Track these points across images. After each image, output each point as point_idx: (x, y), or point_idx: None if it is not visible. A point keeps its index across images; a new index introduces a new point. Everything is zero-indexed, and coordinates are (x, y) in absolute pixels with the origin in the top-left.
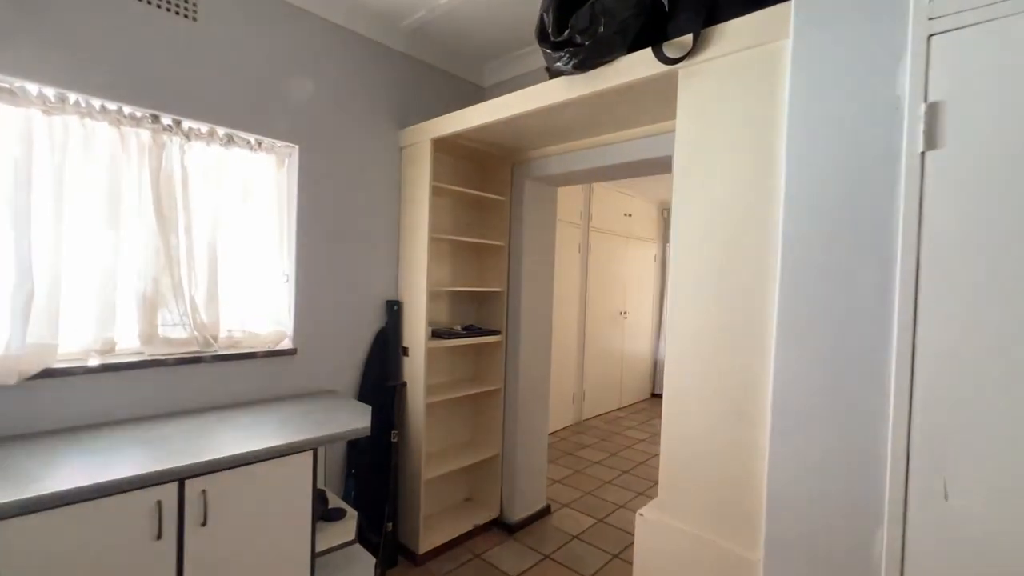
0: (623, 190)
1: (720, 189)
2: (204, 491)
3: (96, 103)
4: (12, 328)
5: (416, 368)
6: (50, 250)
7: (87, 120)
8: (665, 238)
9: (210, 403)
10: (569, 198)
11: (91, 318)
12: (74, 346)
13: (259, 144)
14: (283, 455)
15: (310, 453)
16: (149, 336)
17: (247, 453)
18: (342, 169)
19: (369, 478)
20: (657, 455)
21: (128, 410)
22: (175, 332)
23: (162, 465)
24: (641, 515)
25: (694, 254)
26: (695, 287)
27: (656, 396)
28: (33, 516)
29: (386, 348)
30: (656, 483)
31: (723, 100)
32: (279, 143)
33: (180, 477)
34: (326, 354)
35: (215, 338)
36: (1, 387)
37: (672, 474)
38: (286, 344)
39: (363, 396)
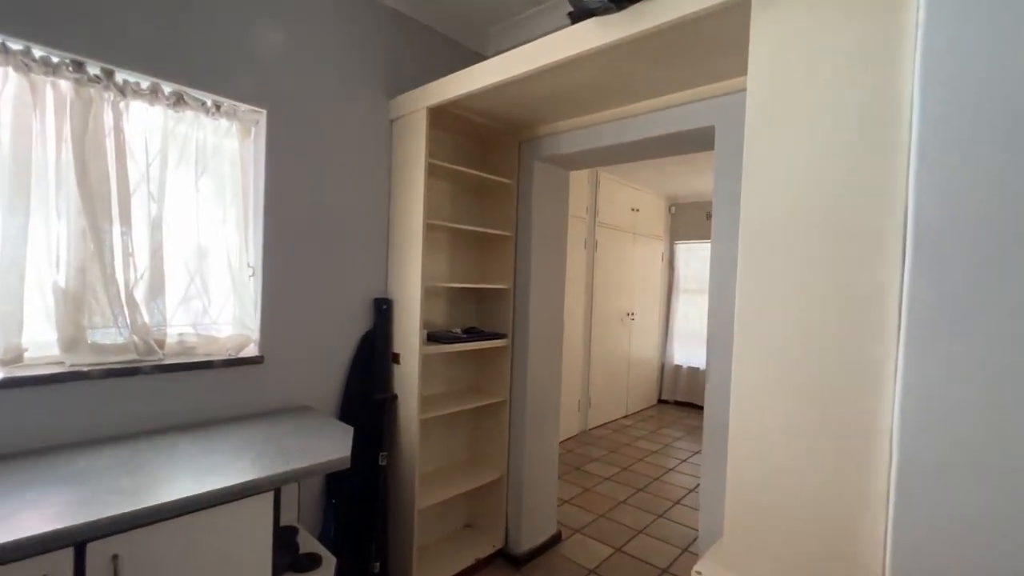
0: (631, 183)
1: (813, 157)
2: (115, 556)
3: None
4: None
5: (409, 378)
6: None
7: None
8: (673, 235)
9: (152, 425)
10: (575, 190)
11: None
12: None
13: (217, 107)
14: (232, 499)
15: (270, 495)
16: (73, 341)
17: (180, 501)
18: (320, 142)
19: (352, 510)
20: (671, 469)
21: (40, 437)
22: (108, 337)
23: (62, 520)
24: (699, 574)
25: (773, 243)
26: (775, 286)
27: (663, 402)
28: None
29: (373, 355)
30: (676, 502)
31: (818, 32)
32: (243, 107)
33: (78, 540)
34: (300, 362)
35: (160, 344)
36: None
37: (742, 524)
38: (251, 351)
39: (345, 412)
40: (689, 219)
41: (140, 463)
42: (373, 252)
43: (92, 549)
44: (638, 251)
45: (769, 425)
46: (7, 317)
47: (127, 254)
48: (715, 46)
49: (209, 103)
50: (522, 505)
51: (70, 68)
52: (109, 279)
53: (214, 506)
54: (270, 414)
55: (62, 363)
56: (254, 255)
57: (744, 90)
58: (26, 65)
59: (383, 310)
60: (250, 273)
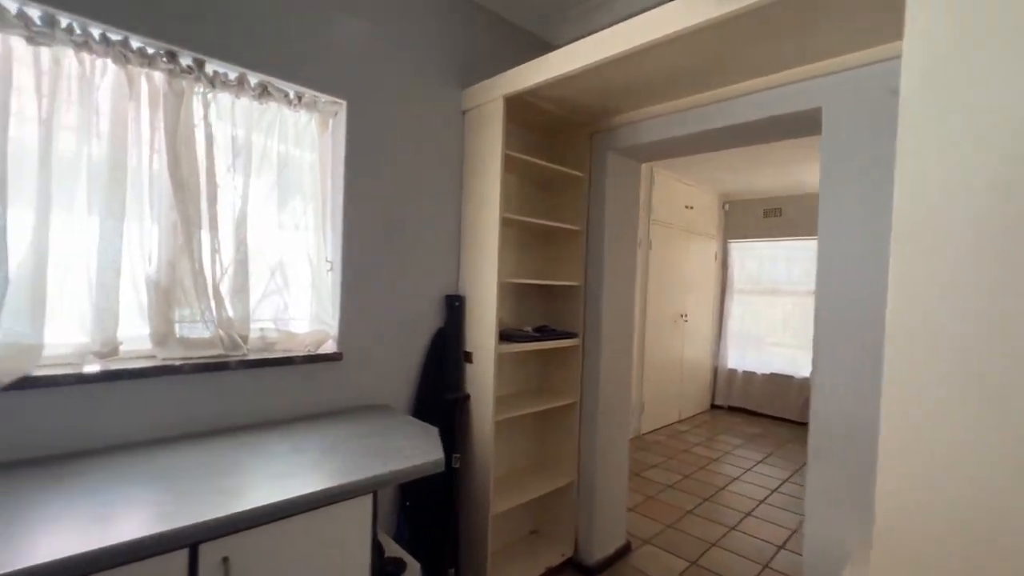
0: (685, 179)
1: (1001, 119)
2: (226, 558)
3: (95, 31)
4: None
5: (482, 377)
6: (33, 222)
7: (84, 54)
8: (727, 234)
9: (238, 421)
10: None
11: (88, 312)
12: (64, 348)
13: (299, 98)
14: (334, 501)
15: (369, 497)
16: (163, 336)
17: (284, 502)
18: (395, 133)
19: (426, 513)
20: (736, 478)
21: (135, 431)
22: (195, 331)
23: (172, 520)
24: None
25: (939, 239)
26: (948, 286)
27: (717, 407)
28: None
29: (444, 353)
30: (747, 514)
31: None
32: (324, 97)
33: (192, 541)
34: (377, 360)
35: (244, 339)
36: None
37: (902, 555)
38: (329, 347)
39: (418, 411)
40: (743, 217)
41: (234, 461)
42: (444, 247)
43: (204, 551)
44: (692, 250)
45: (946, 447)
46: (104, 313)
47: (214, 248)
48: (834, 12)
49: (292, 94)
50: (593, 513)
51: (164, 59)
52: (197, 273)
53: (315, 508)
54: (349, 412)
55: (153, 357)
56: (332, 249)
57: (856, 68)
58: (124, 56)
59: (455, 307)
60: (328, 268)
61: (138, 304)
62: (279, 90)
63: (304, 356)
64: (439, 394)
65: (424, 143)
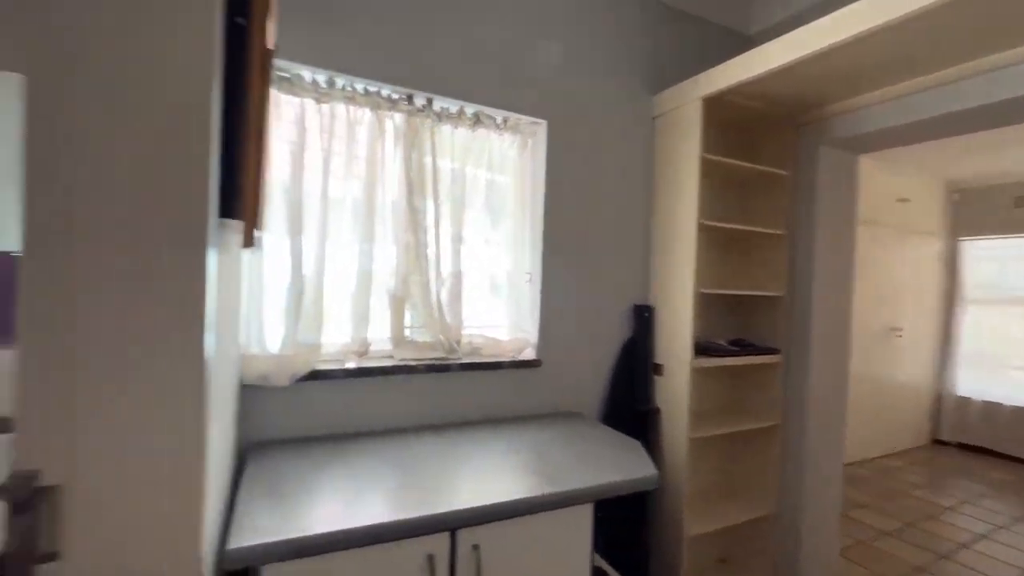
0: (897, 168)
1: None
2: (476, 545)
3: (359, 86)
4: (286, 327)
5: (675, 391)
6: (315, 246)
7: (351, 107)
8: (955, 231)
9: (457, 417)
10: None
11: (348, 317)
12: (333, 347)
13: (505, 123)
14: (559, 505)
15: (590, 506)
16: (398, 338)
17: (520, 501)
18: (588, 147)
19: (618, 525)
20: (985, 536)
21: (381, 420)
22: (420, 335)
23: (428, 507)
24: None
25: None
26: None
27: (940, 443)
28: (301, 561)
29: (634, 364)
30: None
31: None
32: (525, 119)
33: (452, 527)
34: (570, 367)
35: (458, 343)
36: (275, 389)
37: None
38: (529, 354)
39: (608, 421)
40: (981, 208)
41: (467, 453)
42: (632, 257)
43: (461, 536)
44: (906, 251)
45: None
46: (360, 318)
47: (436, 264)
48: None
49: (499, 119)
50: (798, 550)
51: (405, 101)
52: (424, 285)
53: (546, 509)
54: (548, 417)
55: (391, 357)
56: (530, 261)
57: None
58: (377, 103)
59: (644, 318)
60: (528, 279)
61: (381, 312)
62: (489, 117)
63: (510, 361)
64: (629, 405)
65: (614, 153)
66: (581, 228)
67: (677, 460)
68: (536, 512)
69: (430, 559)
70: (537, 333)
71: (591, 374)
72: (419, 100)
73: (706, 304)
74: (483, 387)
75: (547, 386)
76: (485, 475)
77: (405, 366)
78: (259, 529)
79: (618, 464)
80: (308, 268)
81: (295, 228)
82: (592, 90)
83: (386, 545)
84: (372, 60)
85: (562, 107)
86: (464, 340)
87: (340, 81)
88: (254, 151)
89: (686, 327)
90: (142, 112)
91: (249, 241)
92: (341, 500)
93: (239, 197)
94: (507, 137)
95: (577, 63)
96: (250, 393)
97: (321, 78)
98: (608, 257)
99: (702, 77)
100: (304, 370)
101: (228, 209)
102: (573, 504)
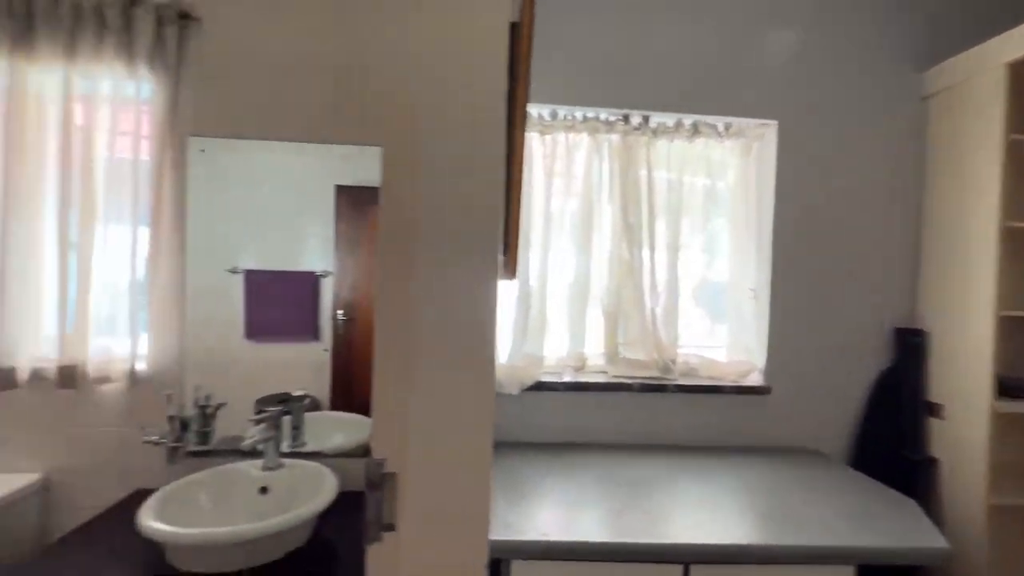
0: None
1: None
2: None
3: (579, 114)
4: (513, 340)
5: (964, 440)
6: (539, 261)
7: (570, 134)
8: None
9: (672, 440)
10: None
11: (565, 332)
12: (552, 360)
13: (726, 129)
14: (812, 561)
15: (850, 570)
16: (611, 354)
17: (764, 547)
18: (831, 143)
19: None
20: None
21: (595, 433)
22: (633, 351)
23: (658, 534)
24: None
25: None
26: None
27: None
28: (545, 563)
29: (898, 400)
30: None
31: None
32: (751, 123)
33: (685, 560)
34: (807, 398)
35: (673, 362)
36: (505, 396)
37: None
38: (755, 379)
39: (857, 466)
40: None
41: (687, 483)
42: (893, 269)
43: (694, 572)
44: None
45: None
46: (576, 332)
47: (651, 278)
48: None
49: (720, 126)
50: None
51: (622, 122)
52: (638, 300)
53: (801, 563)
54: (779, 452)
55: (605, 372)
56: (755, 275)
57: None
58: (595, 127)
59: (912, 344)
60: (752, 296)
61: (595, 327)
62: (709, 126)
63: (732, 386)
64: (891, 451)
65: (865, 146)
66: (821, 236)
67: (968, 532)
68: (781, 563)
69: None
70: (765, 356)
71: (834, 407)
72: (635, 119)
73: (1011, 330)
74: (701, 412)
75: (777, 417)
76: (714, 509)
77: (620, 383)
78: (510, 525)
79: (885, 524)
80: (533, 283)
81: (523, 246)
82: (836, 77)
83: (618, 564)
84: (589, 89)
85: (797, 102)
86: (680, 359)
87: (561, 112)
88: (515, 195)
89: (982, 359)
90: (460, 173)
91: (512, 273)
92: (572, 510)
93: (509, 235)
94: (728, 143)
95: (816, 49)
96: None
97: (545, 112)
98: (859, 270)
99: (1004, 38)
100: (531, 380)
101: (504, 247)
102: (828, 563)
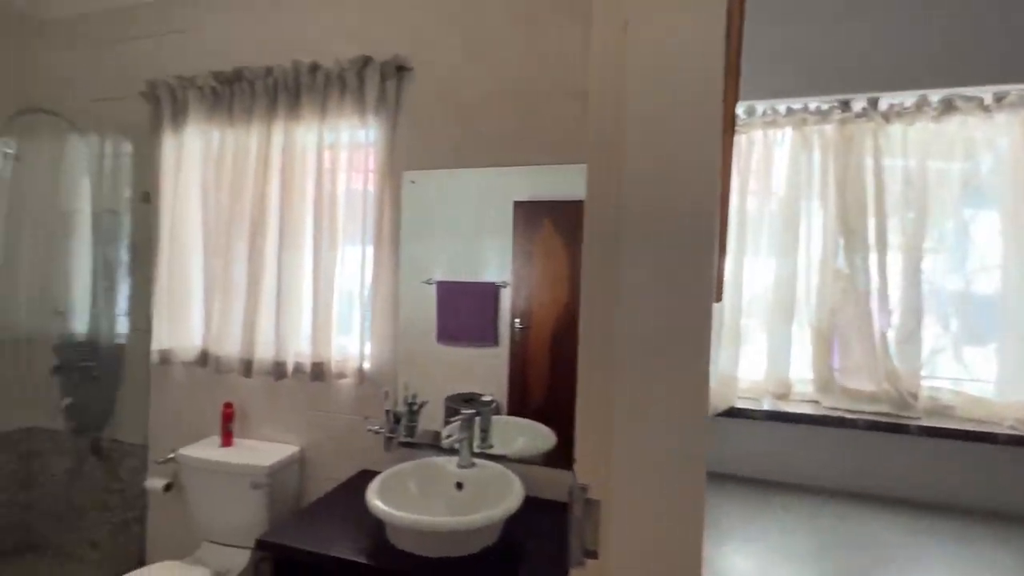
0: None
1: None
2: None
3: (782, 107)
4: None
5: None
6: (731, 265)
7: (770, 130)
8: None
9: (913, 494)
10: None
11: (764, 353)
12: (746, 383)
13: (997, 100)
14: None
15: None
16: (824, 382)
17: None
18: None
19: None
20: None
21: (802, 473)
22: (855, 381)
23: None
24: None
25: None
26: None
27: None
28: None
29: None
30: None
31: None
32: None
33: None
34: None
35: (914, 396)
36: None
37: None
38: None
39: None
40: None
41: (940, 556)
42: None
43: None
44: None
45: None
46: (777, 352)
47: (882, 292)
48: None
49: (988, 98)
50: None
51: (839, 110)
52: (863, 320)
53: None
54: None
55: (816, 402)
56: None
57: None
58: (802, 119)
59: None
60: None
61: (803, 348)
62: (969, 99)
63: (1010, 435)
64: None
65: None
66: None
67: None
68: None
69: None
70: None
71: None
72: (857, 104)
73: None
74: (958, 461)
75: None
76: None
77: (836, 417)
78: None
79: None
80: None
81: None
82: None
83: None
84: (794, 77)
85: None
86: (924, 393)
87: (760, 107)
88: (724, 206)
89: None
90: (669, 183)
91: (719, 295)
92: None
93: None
94: (1000, 118)
95: None
96: None
97: (740, 110)
98: None
99: None
100: (724, 405)
101: None
102: None
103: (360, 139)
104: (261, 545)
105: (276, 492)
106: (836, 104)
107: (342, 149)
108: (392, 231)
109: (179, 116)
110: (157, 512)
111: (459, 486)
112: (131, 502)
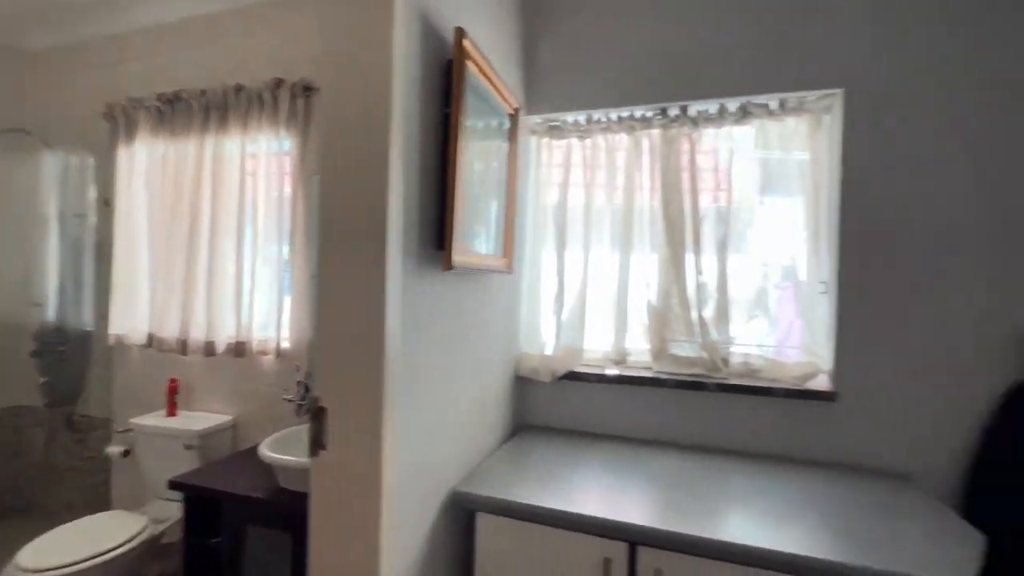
0: None
1: None
2: (659, 570)
3: (614, 115)
4: (554, 332)
5: None
6: (580, 260)
7: (608, 135)
8: None
9: (708, 442)
10: None
11: (609, 327)
12: (593, 353)
13: (782, 106)
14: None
15: None
16: (659, 352)
17: (738, 547)
18: (910, 109)
19: None
20: None
21: (631, 428)
22: (683, 350)
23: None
24: None
25: None
26: None
27: None
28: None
29: None
30: None
31: None
32: (811, 95)
33: (633, 540)
34: (887, 409)
35: (725, 361)
36: (540, 384)
37: None
38: (820, 383)
39: (971, 502)
40: None
41: (704, 486)
42: (1005, 259)
43: (643, 553)
44: None
45: None
46: (618, 328)
47: (698, 277)
48: None
49: (773, 104)
50: None
51: (658, 116)
52: (684, 300)
53: (772, 570)
54: (848, 471)
55: (650, 368)
56: (827, 268)
57: None
58: (631, 126)
59: None
60: (822, 290)
61: (640, 323)
62: (759, 106)
63: (787, 389)
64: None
65: (966, 111)
66: (905, 220)
67: None
68: (756, 567)
69: (605, 562)
70: (832, 358)
71: (933, 424)
72: (672, 111)
73: None
74: (749, 415)
75: (845, 429)
76: (712, 511)
77: (656, 379)
78: (485, 483)
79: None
80: (574, 280)
81: (560, 245)
82: (916, 27)
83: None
84: (621, 87)
85: (863, 65)
86: (737, 360)
87: (597, 115)
88: (450, 200)
89: None
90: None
91: (448, 265)
92: (572, 486)
93: (444, 234)
94: (789, 122)
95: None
96: (524, 384)
97: (581, 118)
98: (955, 260)
99: None
100: (563, 370)
101: (440, 243)
102: None
103: (276, 149)
104: (172, 485)
105: (208, 453)
106: (656, 111)
107: (262, 157)
108: (305, 228)
109: (131, 132)
110: (119, 475)
111: None
112: (99, 467)
